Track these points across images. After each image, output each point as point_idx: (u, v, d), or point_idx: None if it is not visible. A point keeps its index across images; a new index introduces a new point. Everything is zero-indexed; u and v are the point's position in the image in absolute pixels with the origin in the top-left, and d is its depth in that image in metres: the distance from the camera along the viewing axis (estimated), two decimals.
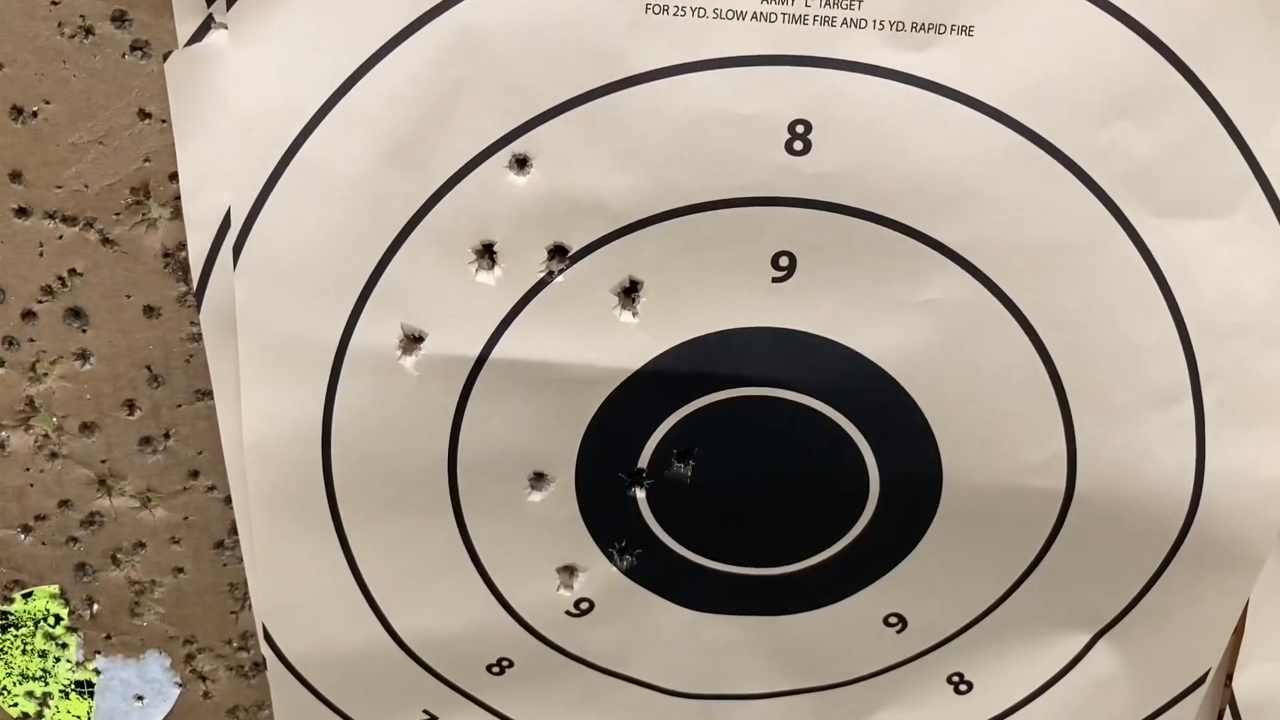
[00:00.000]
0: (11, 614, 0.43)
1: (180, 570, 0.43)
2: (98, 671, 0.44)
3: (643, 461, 0.40)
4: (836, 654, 0.45)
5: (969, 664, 0.45)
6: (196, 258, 0.37)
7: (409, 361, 0.38)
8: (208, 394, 0.40)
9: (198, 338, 0.39)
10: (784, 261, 0.37)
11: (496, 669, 0.45)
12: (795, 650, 0.45)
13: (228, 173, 0.36)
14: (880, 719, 0.47)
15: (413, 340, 0.38)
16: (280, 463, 0.39)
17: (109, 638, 0.44)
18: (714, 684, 0.46)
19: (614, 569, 0.42)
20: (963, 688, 0.46)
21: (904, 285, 0.37)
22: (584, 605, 0.43)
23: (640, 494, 0.41)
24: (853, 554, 0.42)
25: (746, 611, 0.44)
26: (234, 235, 0.37)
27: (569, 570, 0.43)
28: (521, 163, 0.36)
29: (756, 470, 0.40)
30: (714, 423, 0.39)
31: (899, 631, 0.44)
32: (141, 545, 0.43)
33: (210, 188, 0.37)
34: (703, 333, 0.38)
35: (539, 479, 0.41)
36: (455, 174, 0.36)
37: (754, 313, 0.38)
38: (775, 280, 0.37)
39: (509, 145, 0.36)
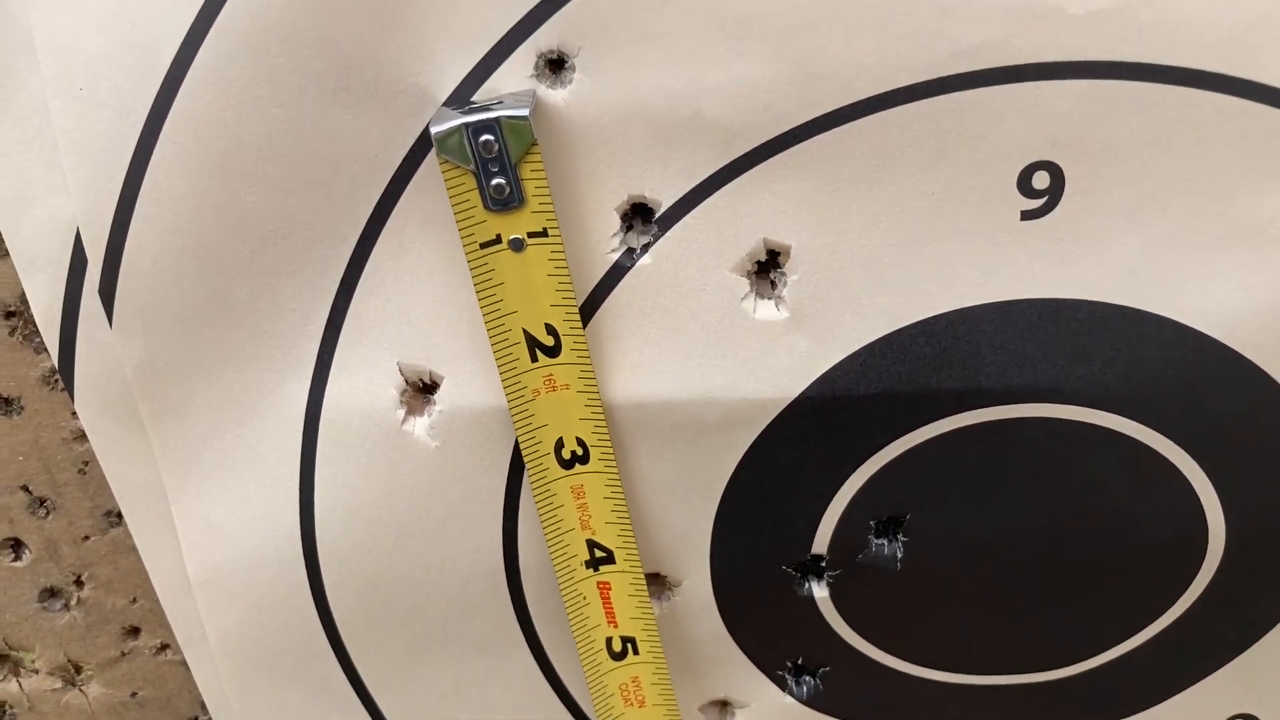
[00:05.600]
0: None
1: None
2: None
3: (820, 544, 0.25)
4: None
5: None
6: (46, 314, 0.23)
7: (419, 425, 0.23)
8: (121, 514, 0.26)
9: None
10: (1039, 181, 0.21)
11: None
12: None
13: (61, 168, 0.21)
14: None
15: (421, 390, 0.23)
16: (249, 601, 0.25)
17: None
18: None
19: (787, 698, 0.27)
20: None
21: (1256, 199, 0.21)
22: None
23: (820, 591, 0.25)
24: (1179, 637, 0.26)
25: None
26: (98, 269, 0.22)
27: (721, 708, 0.28)
28: (557, 64, 0.20)
29: (1011, 536, 0.24)
30: (935, 469, 0.23)
31: None
32: None
33: (38, 199, 0.22)
34: (902, 324, 0.22)
35: (655, 583, 0.25)
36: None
37: (991, 277, 0.22)
38: (1027, 216, 0.21)
39: (531, 37, 0.20)
